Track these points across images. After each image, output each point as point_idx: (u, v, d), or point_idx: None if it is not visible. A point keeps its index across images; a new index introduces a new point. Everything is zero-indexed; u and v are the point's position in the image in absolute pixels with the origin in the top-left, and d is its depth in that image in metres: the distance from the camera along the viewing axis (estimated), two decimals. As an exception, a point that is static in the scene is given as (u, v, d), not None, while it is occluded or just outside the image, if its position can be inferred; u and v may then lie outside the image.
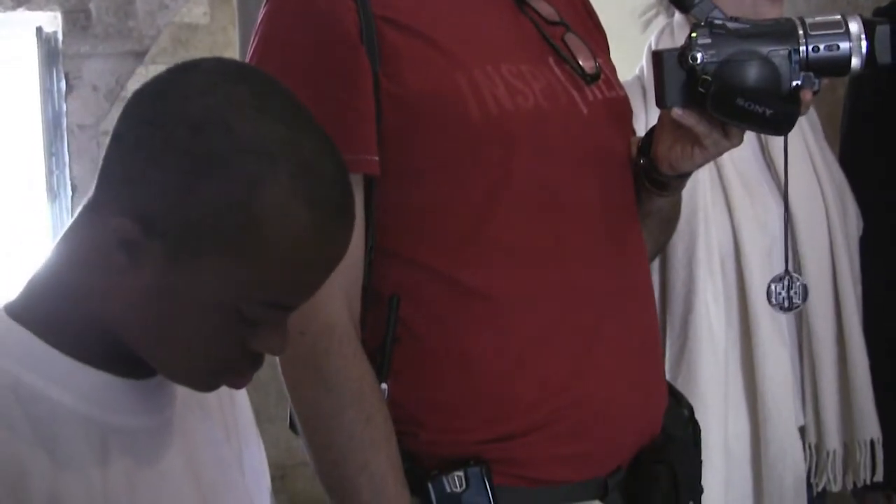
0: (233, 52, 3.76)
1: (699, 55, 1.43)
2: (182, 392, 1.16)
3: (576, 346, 1.48)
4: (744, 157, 2.05)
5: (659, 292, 2.00)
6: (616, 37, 1.73)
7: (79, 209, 1.11)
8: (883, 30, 1.44)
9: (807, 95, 1.44)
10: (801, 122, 2.11)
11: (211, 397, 1.19)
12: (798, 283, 1.63)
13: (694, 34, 1.44)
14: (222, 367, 1.10)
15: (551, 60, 1.53)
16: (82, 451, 1.08)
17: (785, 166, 1.67)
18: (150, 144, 1.04)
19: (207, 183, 1.03)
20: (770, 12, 1.91)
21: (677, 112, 1.47)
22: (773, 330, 1.99)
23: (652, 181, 1.56)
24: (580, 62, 1.53)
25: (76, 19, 3.89)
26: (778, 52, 1.44)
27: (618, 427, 1.49)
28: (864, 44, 1.44)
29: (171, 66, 1.10)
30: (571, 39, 1.55)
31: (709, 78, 1.43)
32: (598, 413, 1.47)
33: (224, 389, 1.15)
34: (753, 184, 2.04)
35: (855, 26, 1.44)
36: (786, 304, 1.64)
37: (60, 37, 3.94)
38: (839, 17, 1.45)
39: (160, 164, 1.04)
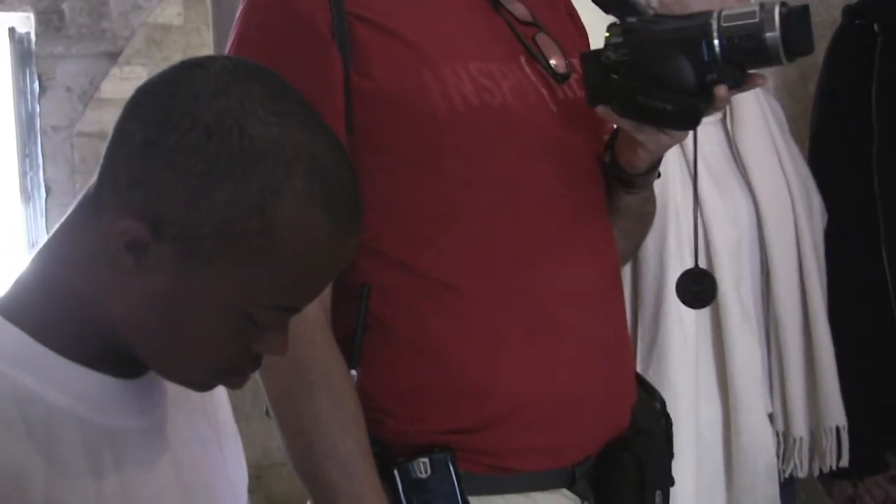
0: (207, 53, 3.77)
1: (611, 55, 1.44)
2: (172, 389, 1.15)
3: (543, 340, 1.49)
4: (712, 151, 2.07)
5: (630, 285, 2.01)
6: (599, 36, 1.75)
7: (71, 208, 1.09)
8: (799, 17, 1.41)
9: (720, 90, 1.42)
10: (768, 117, 2.16)
11: (196, 393, 1.18)
12: (707, 280, 1.60)
13: (608, 34, 1.45)
14: (226, 369, 1.09)
15: (522, 59, 1.55)
16: (78, 455, 1.06)
17: (694, 161, 1.64)
18: (161, 146, 1.02)
19: (223, 187, 1.01)
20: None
21: (600, 111, 1.48)
22: (742, 320, 2.02)
23: (618, 179, 1.58)
24: (551, 62, 1.55)
25: (49, 20, 3.89)
26: (688, 47, 1.42)
27: (585, 420, 1.51)
28: (779, 33, 1.41)
29: (176, 64, 1.07)
30: (543, 39, 1.57)
31: (616, 77, 1.43)
32: (566, 406, 1.49)
33: None
34: (722, 177, 2.06)
35: (769, 15, 1.41)
36: (694, 299, 1.61)
37: (33, 38, 3.94)
38: (756, 7, 1.42)
39: (173, 167, 1.01)
